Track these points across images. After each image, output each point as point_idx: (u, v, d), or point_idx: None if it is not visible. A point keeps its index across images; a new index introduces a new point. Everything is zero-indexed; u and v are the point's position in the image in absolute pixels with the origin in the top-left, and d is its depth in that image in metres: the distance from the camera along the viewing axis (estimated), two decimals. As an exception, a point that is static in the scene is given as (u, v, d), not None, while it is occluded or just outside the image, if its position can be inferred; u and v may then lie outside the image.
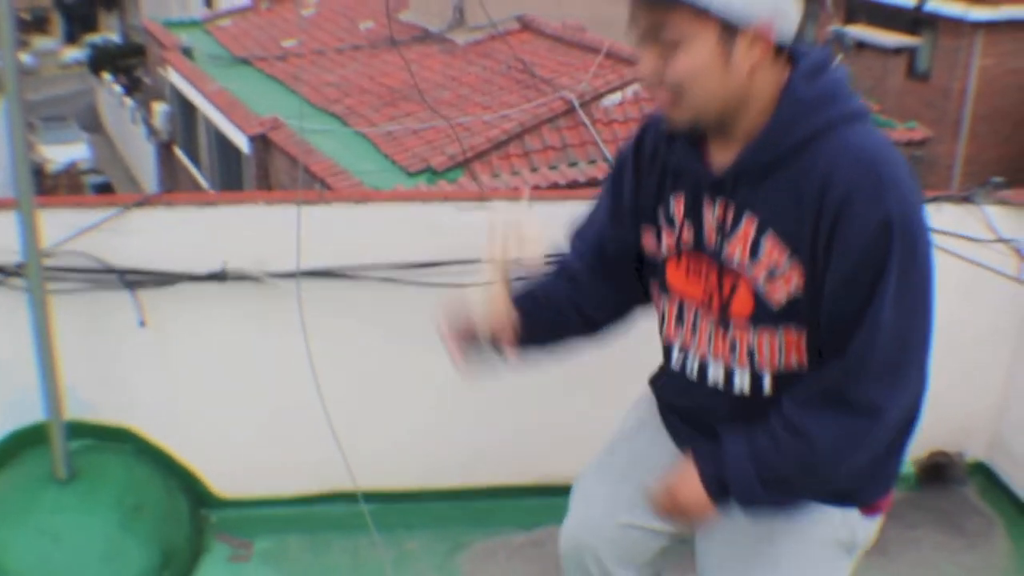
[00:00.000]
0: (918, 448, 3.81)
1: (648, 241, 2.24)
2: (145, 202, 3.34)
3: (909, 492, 3.87)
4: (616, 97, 13.18)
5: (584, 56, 14.43)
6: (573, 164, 12.54)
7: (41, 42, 50.57)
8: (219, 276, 3.33)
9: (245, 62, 18.49)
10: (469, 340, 2.25)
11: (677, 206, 2.15)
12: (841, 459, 2.03)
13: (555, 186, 11.45)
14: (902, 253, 1.90)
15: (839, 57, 17.74)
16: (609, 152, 12.21)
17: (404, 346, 3.49)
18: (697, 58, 1.91)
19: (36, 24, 51.68)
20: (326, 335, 3.36)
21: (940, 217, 3.51)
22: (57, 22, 53.14)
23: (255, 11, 22.10)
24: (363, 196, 3.51)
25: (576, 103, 12.90)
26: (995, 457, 3.98)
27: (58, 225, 3.27)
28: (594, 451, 2.52)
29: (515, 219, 2.18)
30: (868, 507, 2.22)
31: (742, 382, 2.14)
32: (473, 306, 2.21)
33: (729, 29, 1.90)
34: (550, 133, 12.84)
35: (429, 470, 3.73)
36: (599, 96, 13.12)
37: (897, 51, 17.32)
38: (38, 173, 23.06)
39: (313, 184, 12.17)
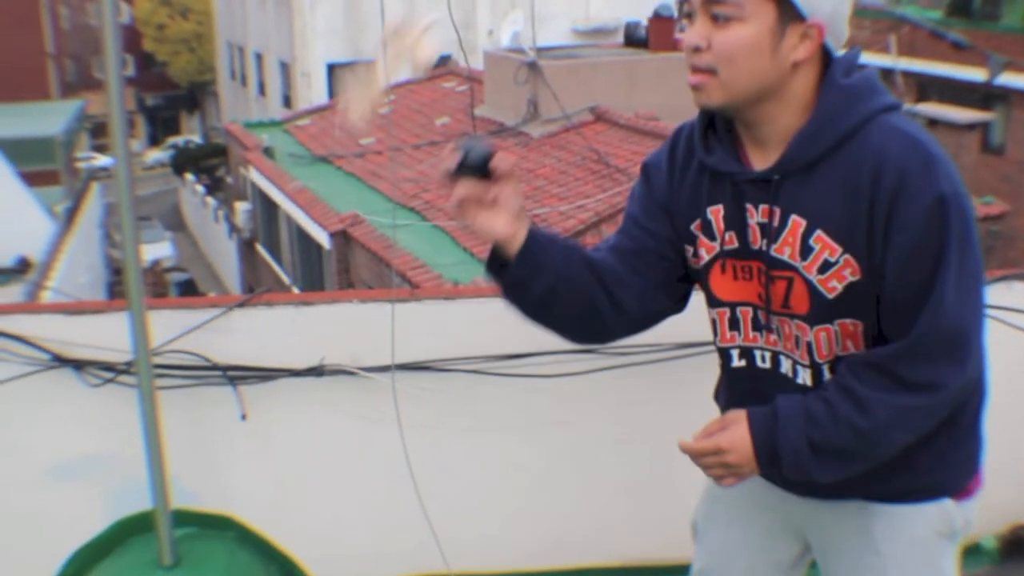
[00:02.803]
0: (999, 521, 3.84)
1: (687, 252, 2.26)
2: (246, 302, 3.53)
3: (991, 567, 3.88)
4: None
5: (657, 144, 14.53)
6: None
7: (126, 145, 51.69)
8: (316, 371, 3.49)
9: (324, 160, 18.90)
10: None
11: (715, 216, 2.17)
12: (895, 433, 2.05)
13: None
14: (958, 229, 1.95)
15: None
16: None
17: (493, 434, 3.62)
18: (748, 35, 1.97)
19: (121, 128, 52.89)
20: (419, 425, 3.49)
21: (1011, 295, 3.57)
22: (141, 125, 54.51)
23: (333, 110, 22.59)
24: (451, 292, 3.67)
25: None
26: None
27: (165, 325, 3.45)
28: (682, 528, 2.60)
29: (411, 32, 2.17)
30: (960, 493, 2.23)
31: (804, 375, 2.15)
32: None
33: (788, 15, 1.96)
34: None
35: (520, 553, 3.81)
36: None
37: (970, 127, 17.27)
38: (122, 271, 23.55)
39: (394, 277, 12.40)
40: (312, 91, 30.21)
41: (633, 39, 20.06)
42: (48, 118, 26.13)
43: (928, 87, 21.95)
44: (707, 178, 2.19)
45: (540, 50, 18.33)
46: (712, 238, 2.19)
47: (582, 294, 2.22)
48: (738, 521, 2.45)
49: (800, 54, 2.00)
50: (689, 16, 2.06)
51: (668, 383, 3.48)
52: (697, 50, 2.02)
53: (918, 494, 2.21)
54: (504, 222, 2.12)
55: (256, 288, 22.79)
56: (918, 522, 2.22)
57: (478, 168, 2.08)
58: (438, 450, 3.60)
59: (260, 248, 22.55)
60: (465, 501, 3.70)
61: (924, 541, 2.23)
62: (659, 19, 19.28)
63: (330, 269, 15.85)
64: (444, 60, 28.10)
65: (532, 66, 17.09)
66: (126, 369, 3.45)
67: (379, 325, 3.39)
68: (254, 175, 20.44)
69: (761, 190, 2.09)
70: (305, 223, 16.86)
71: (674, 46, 18.75)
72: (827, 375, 2.13)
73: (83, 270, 22.53)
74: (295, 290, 18.82)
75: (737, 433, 2.11)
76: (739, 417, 2.12)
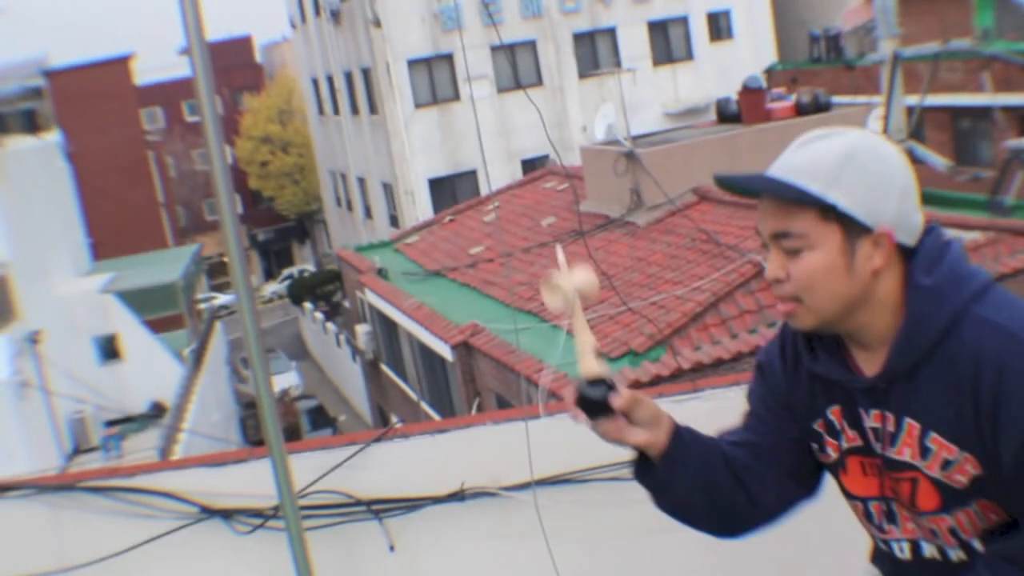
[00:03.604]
0: None
1: (814, 448, 2.25)
2: (383, 436, 3.58)
3: None
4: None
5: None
6: (771, 325, 12.54)
7: (243, 281, 52.91)
8: (458, 496, 3.51)
9: (437, 274, 19.15)
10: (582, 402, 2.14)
11: (836, 416, 2.16)
12: None
13: (758, 349, 11.46)
14: None
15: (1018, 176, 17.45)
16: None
17: (639, 540, 3.59)
18: (821, 261, 1.97)
19: (236, 265, 54.21)
20: (564, 538, 3.49)
21: None
22: (255, 260, 55.85)
23: (440, 224, 22.93)
24: (582, 402, 3.68)
25: (764, 264, 12.95)
26: None
27: (306, 466, 3.51)
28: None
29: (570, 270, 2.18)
30: None
31: (955, 553, 2.12)
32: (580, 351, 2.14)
33: (853, 232, 1.96)
34: (744, 298, 12.90)
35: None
36: (786, 255, 13.15)
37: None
38: (253, 404, 24.05)
39: (519, 381, 12.44)
40: (417, 208, 30.73)
41: (725, 115, 20.12)
42: (167, 265, 26.98)
43: (1029, 119, 21.60)
44: (819, 382, 2.19)
45: (635, 138, 18.46)
46: (836, 436, 2.19)
47: (723, 493, 2.26)
48: None
49: (876, 263, 1.98)
50: (766, 243, 2.08)
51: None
52: (778, 281, 2.05)
53: None
54: (639, 435, 2.18)
55: (385, 407, 23.05)
56: None
57: (600, 410, 2.13)
58: (584, 561, 3.59)
59: (384, 367, 22.82)
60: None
61: None
62: (748, 92, 19.32)
63: (455, 380, 15.98)
64: (542, 161, 28.47)
65: (630, 155, 17.21)
66: (274, 514, 3.50)
67: (515, 443, 3.41)
68: (370, 297, 20.78)
69: (871, 396, 2.09)
70: (426, 338, 17.05)
71: (767, 116, 18.76)
72: (978, 546, 2.10)
73: (214, 408, 23.04)
74: (423, 406, 18.97)
75: None
76: None
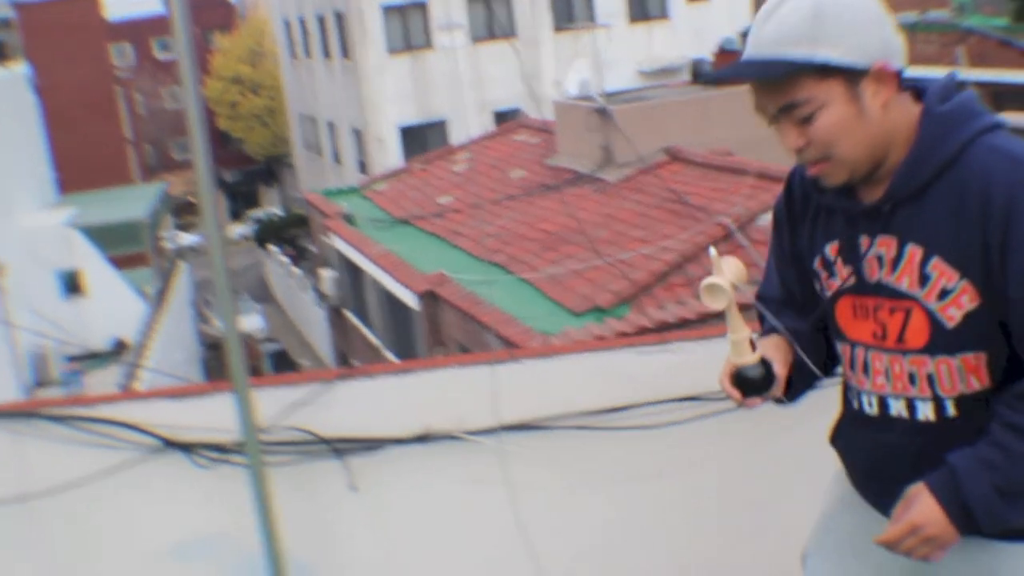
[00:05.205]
0: None
1: (817, 288, 2.31)
2: (348, 375, 3.57)
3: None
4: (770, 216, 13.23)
5: (734, 179, 14.55)
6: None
7: (209, 222, 52.58)
8: (422, 438, 3.52)
9: (405, 222, 19.07)
10: (743, 383, 2.28)
11: (833, 252, 2.22)
12: None
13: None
14: None
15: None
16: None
17: (601, 488, 3.61)
18: (835, 115, 2.02)
19: (203, 205, 53.88)
20: (526, 485, 3.51)
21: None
22: (222, 201, 55.47)
23: (409, 172, 22.81)
24: (549, 350, 3.69)
25: (733, 227, 13.00)
26: None
27: (269, 402, 3.51)
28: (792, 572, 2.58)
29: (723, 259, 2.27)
30: None
31: (925, 410, 2.16)
32: (732, 352, 2.27)
33: (853, 78, 2.01)
34: (711, 259, 12.91)
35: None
36: (755, 217, 13.19)
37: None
38: (216, 346, 23.98)
39: (483, 333, 12.45)
40: (387, 155, 30.56)
41: (700, 76, 20.08)
42: (132, 202, 26.71)
43: (1003, 96, 21.62)
44: (822, 215, 2.25)
45: (608, 95, 18.40)
46: (832, 275, 2.24)
47: (823, 350, 2.39)
48: (851, 553, 2.43)
49: (884, 96, 2.04)
50: (771, 120, 2.12)
51: (770, 428, 3.46)
52: (799, 150, 2.09)
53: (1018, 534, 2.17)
54: (780, 380, 2.30)
55: (348, 354, 23.03)
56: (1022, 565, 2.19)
57: (758, 389, 2.29)
58: (547, 508, 3.61)
59: (348, 313, 22.75)
60: (577, 557, 3.70)
61: None
62: (724, 53, 19.34)
63: (420, 329, 15.95)
64: (514, 113, 28.33)
65: (602, 112, 17.15)
66: (235, 449, 3.50)
67: (480, 388, 3.42)
68: (337, 242, 20.68)
69: (874, 221, 2.13)
70: (392, 285, 16.99)
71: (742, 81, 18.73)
72: (951, 411, 2.14)
73: (177, 347, 22.92)
74: (386, 353, 18.96)
75: (924, 504, 2.10)
76: (919, 489, 2.12)
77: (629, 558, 3.73)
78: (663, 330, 11.38)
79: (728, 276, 2.24)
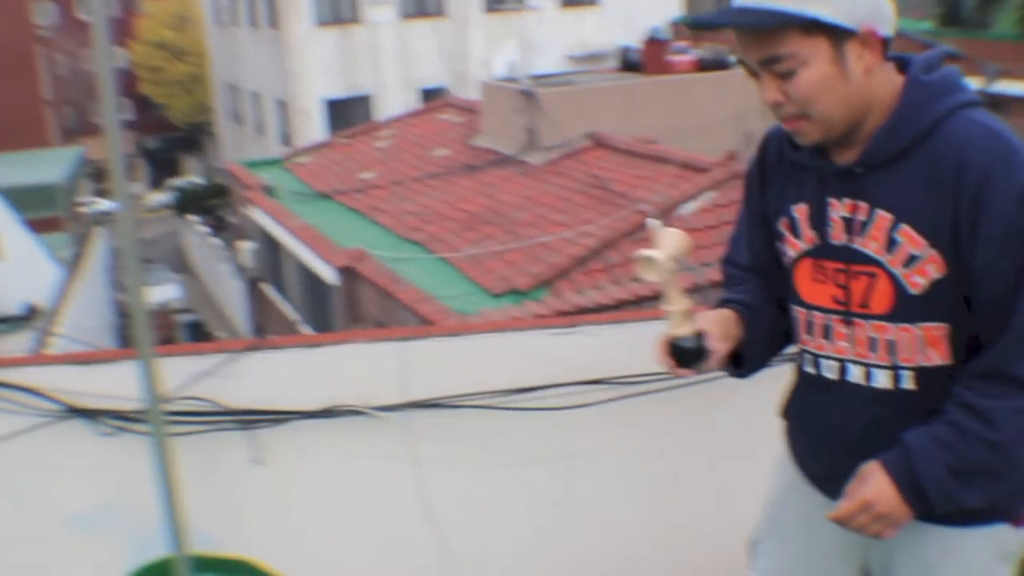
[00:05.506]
0: None
1: (780, 251, 2.33)
2: (255, 346, 3.54)
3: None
4: (692, 205, 13.34)
5: (658, 168, 14.64)
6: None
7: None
8: (328, 412, 3.49)
9: (326, 196, 18.94)
10: (676, 353, 2.29)
11: (800, 214, 2.23)
12: (1021, 435, 2.05)
13: (641, 299, 11.55)
14: None
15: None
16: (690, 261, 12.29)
17: (508, 469, 3.61)
18: (816, 74, 2.03)
19: (122, 172, 53.05)
20: (433, 463, 3.50)
21: None
22: (142, 168, 54.66)
23: (332, 146, 22.66)
24: (459, 328, 3.69)
25: (654, 215, 13.07)
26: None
27: (175, 371, 3.46)
28: (705, 553, 2.60)
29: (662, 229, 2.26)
30: (1017, 519, 2.23)
31: (882, 378, 2.17)
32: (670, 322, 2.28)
33: (839, 38, 2.02)
34: (631, 246, 12.99)
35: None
36: (676, 206, 13.29)
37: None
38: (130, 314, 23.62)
39: (401, 311, 12.42)
40: (311, 128, 30.31)
41: (628, 63, 20.14)
42: (49, 165, 26.19)
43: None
44: (794, 175, 2.26)
45: (536, 78, 18.40)
46: (797, 236, 2.26)
47: (779, 324, 2.41)
48: (799, 538, 2.46)
49: (868, 61, 2.06)
50: (752, 73, 2.12)
51: (679, 410, 3.49)
52: (778, 104, 2.10)
53: (976, 517, 2.20)
54: (722, 352, 2.31)
55: (265, 327, 22.84)
56: (975, 546, 2.23)
57: (692, 359, 2.30)
58: (453, 487, 3.61)
59: (267, 287, 22.57)
60: (483, 537, 3.70)
61: (981, 566, 2.24)
62: (653, 42, 19.35)
63: (338, 304, 15.87)
64: (440, 92, 28.24)
65: (528, 95, 17.15)
66: (139, 417, 3.45)
67: (389, 364, 3.40)
68: (257, 214, 20.49)
69: (845, 183, 2.15)
70: (310, 260, 16.88)
71: (668, 68, 18.82)
72: (907, 383, 2.16)
73: (91, 315, 22.55)
74: (303, 327, 18.83)
75: (876, 482, 2.11)
76: (872, 467, 2.14)
77: (535, 537, 3.74)
78: (580, 314, 11.45)
79: (667, 249, 2.23)
